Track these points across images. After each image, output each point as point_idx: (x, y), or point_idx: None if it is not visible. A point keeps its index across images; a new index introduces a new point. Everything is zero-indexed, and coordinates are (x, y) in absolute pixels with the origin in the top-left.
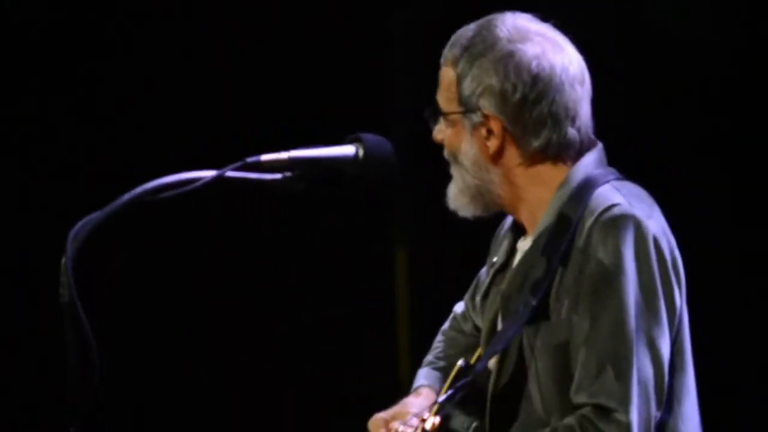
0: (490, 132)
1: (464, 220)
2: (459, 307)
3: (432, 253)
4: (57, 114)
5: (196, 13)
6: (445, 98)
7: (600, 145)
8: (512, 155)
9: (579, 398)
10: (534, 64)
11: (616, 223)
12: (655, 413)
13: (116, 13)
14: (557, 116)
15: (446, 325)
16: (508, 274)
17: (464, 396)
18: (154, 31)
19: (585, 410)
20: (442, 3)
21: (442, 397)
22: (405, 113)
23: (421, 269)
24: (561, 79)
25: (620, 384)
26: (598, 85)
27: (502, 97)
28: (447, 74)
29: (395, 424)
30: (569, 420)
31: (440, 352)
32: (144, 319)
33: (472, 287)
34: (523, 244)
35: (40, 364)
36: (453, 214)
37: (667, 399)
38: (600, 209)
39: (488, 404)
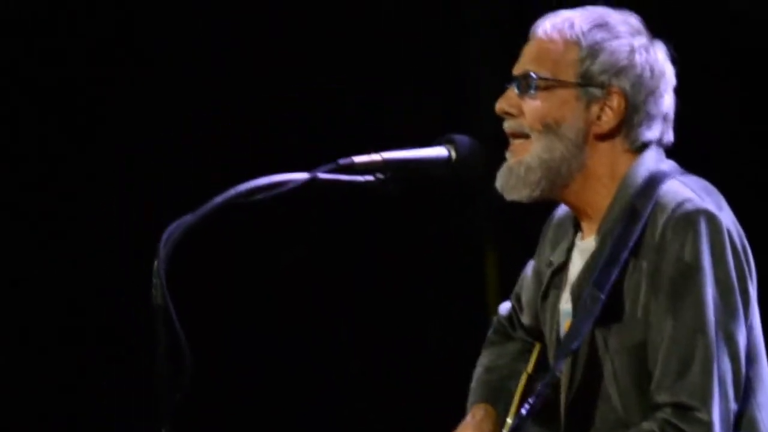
0: (605, 110)
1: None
2: (504, 309)
3: (522, 255)
4: (139, 111)
5: (273, 12)
6: (552, 67)
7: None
8: (614, 141)
9: (660, 397)
10: (662, 59)
11: (690, 218)
12: (734, 407)
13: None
14: (668, 116)
15: (491, 333)
16: (578, 273)
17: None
18: (233, 29)
19: (665, 411)
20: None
21: (524, 409)
22: (488, 112)
23: (511, 271)
24: (671, 81)
25: (702, 381)
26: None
27: (638, 81)
28: (557, 45)
29: None
30: (650, 425)
31: (490, 362)
32: (236, 319)
33: (517, 287)
34: (583, 243)
35: (130, 365)
36: (541, 215)
37: (743, 389)
38: (672, 205)
39: (563, 410)
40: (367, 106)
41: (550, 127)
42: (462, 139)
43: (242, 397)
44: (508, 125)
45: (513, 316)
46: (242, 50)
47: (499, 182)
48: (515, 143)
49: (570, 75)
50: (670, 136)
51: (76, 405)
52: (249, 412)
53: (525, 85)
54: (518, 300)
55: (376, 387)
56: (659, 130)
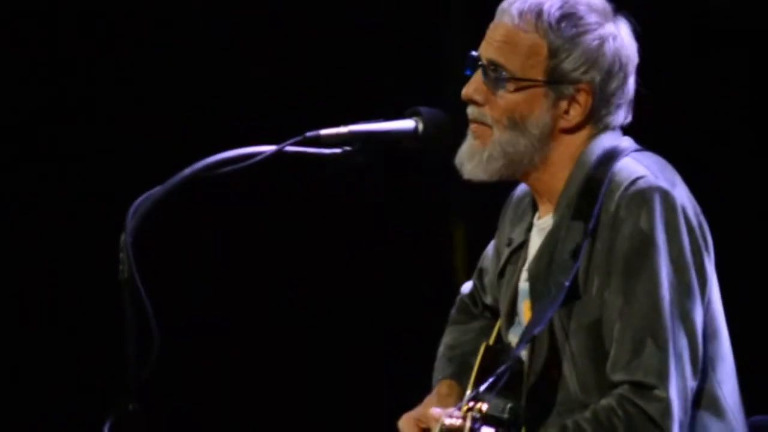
0: (572, 104)
1: None
2: (466, 289)
3: (490, 229)
4: (109, 86)
5: None
6: (522, 64)
7: None
8: (581, 132)
9: (616, 376)
10: (627, 41)
11: (643, 195)
12: (691, 384)
13: None
14: (631, 100)
15: (454, 312)
16: (534, 254)
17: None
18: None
19: (623, 389)
20: None
21: (483, 386)
22: (455, 84)
23: (480, 246)
24: (635, 62)
25: (657, 359)
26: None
27: (607, 74)
28: (524, 38)
29: (436, 412)
30: (608, 401)
31: (453, 340)
32: (202, 294)
33: (478, 267)
34: (540, 222)
35: (97, 341)
36: (509, 189)
37: (702, 366)
38: (626, 183)
39: (524, 389)
40: (338, 80)
41: (515, 123)
42: (429, 111)
43: (210, 370)
44: (471, 112)
45: (475, 294)
46: (213, 25)
47: (460, 159)
48: (478, 129)
49: (539, 72)
50: (629, 117)
51: (44, 379)
52: (217, 386)
53: (493, 78)
54: (480, 280)
55: (341, 362)
56: (623, 116)
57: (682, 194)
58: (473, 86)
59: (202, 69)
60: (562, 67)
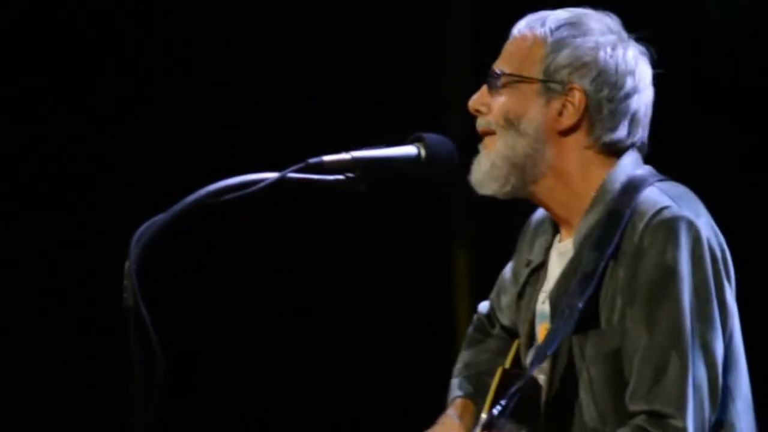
0: (566, 106)
1: (523, 219)
2: (483, 308)
3: (491, 253)
4: (111, 113)
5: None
6: (519, 64)
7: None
8: (578, 138)
9: (635, 405)
10: (631, 58)
11: (668, 225)
12: (709, 416)
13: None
14: (637, 116)
15: (471, 330)
16: (556, 279)
17: (513, 405)
18: (216, 29)
19: (640, 419)
20: (496, 4)
21: (496, 409)
22: (463, 110)
23: (480, 270)
24: (647, 82)
25: (676, 389)
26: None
27: (599, 78)
28: (527, 42)
29: None
30: (624, 430)
31: (469, 359)
32: (208, 319)
33: (496, 287)
34: (561, 246)
35: (102, 369)
36: (512, 213)
37: (722, 398)
38: (650, 212)
39: (542, 413)
40: (340, 106)
41: (511, 123)
42: (431, 137)
43: (217, 398)
44: (478, 123)
45: (492, 315)
46: (213, 51)
47: (471, 174)
48: (486, 139)
49: (533, 71)
50: (641, 138)
51: (51, 410)
52: (223, 413)
53: (493, 82)
54: (498, 302)
55: (342, 388)
56: (625, 130)
57: (706, 225)
58: (477, 97)
59: (206, 96)
60: (554, 65)
